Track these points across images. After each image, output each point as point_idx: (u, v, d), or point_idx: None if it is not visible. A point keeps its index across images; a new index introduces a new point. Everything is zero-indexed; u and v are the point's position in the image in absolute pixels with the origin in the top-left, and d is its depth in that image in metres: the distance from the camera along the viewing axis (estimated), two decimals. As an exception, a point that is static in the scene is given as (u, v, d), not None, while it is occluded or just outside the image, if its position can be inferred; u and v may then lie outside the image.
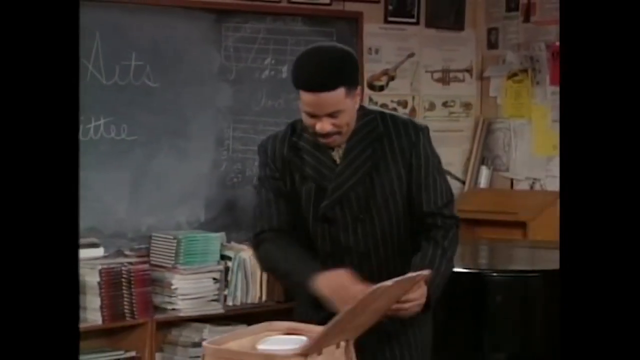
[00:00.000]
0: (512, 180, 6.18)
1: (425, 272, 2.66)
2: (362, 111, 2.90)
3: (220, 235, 4.97)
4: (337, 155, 2.89)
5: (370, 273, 2.81)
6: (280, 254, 2.91)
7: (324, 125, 2.78)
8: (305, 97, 2.76)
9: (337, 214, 2.88)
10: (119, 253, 4.84)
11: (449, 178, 5.92)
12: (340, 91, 2.74)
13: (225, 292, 4.88)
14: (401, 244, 2.91)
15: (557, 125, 5.86)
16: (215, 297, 4.84)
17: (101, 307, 4.51)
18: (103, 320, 4.53)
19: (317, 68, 2.76)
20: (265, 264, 3.00)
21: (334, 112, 2.76)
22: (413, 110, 6.00)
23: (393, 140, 2.88)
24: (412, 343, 2.94)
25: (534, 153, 6.05)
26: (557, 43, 5.82)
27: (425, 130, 2.92)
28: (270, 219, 2.94)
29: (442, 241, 2.87)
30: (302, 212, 2.93)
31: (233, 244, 5.01)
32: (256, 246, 2.97)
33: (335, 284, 2.71)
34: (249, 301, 4.85)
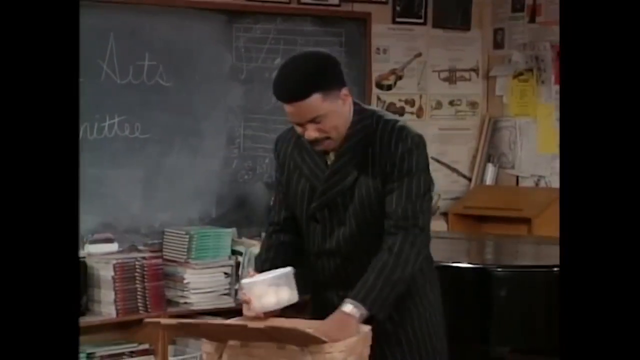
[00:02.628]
0: (517, 177, 6.21)
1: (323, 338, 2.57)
2: (361, 115, 2.87)
3: (232, 231, 5.02)
4: (331, 158, 2.89)
5: (353, 276, 2.82)
6: (260, 252, 3.05)
7: (309, 133, 2.78)
8: (285, 107, 2.78)
9: (325, 216, 2.90)
10: (133, 248, 4.89)
11: (455, 176, 6.07)
12: (315, 97, 2.72)
13: (237, 287, 4.88)
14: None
15: (562, 124, 5.91)
16: (227, 291, 4.89)
17: (115, 301, 4.56)
18: (117, 314, 4.58)
19: (287, 78, 2.76)
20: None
21: (314, 118, 2.75)
22: (420, 109, 6.05)
23: (376, 149, 2.84)
24: (403, 340, 2.93)
25: (539, 151, 6.08)
26: (562, 43, 5.88)
27: (409, 139, 2.83)
28: (274, 214, 3.06)
29: (386, 252, 2.78)
30: (297, 211, 2.97)
31: (244, 239, 5.05)
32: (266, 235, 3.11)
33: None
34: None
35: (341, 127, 2.82)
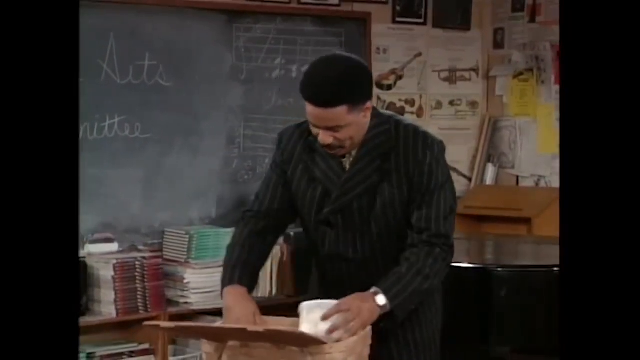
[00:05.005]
0: (517, 177, 6.22)
1: (324, 340, 2.56)
2: (379, 119, 2.86)
3: (232, 231, 4.99)
4: (347, 162, 2.86)
5: (368, 282, 2.80)
6: (235, 243, 2.96)
7: (324, 137, 2.76)
8: (308, 108, 2.73)
9: (339, 221, 2.88)
10: (133, 248, 4.89)
11: (455, 175, 6.07)
12: (342, 108, 2.70)
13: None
14: (398, 256, 2.83)
15: (562, 124, 5.91)
16: (227, 291, 4.91)
17: (115, 301, 4.57)
18: (117, 314, 4.58)
19: (321, 83, 2.71)
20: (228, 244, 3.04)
21: (335, 126, 2.73)
22: (420, 108, 6.06)
23: (400, 155, 2.82)
24: (411, 342, 2.93)
25: (539, 151, 6.09)
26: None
27: (435, 146, 2.84)
28: (262, 202, 2.97)
29: (421, 259, 2.78)
30: (305, 214, 2.94)
31: (244, 239, 5.07)
32: (238, 222, 3.03)
33: (234, 305, 2.79)
34: (260, 295, 4.85)
35: (356, 138, 2.80)
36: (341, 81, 2.71)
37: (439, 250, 2.81)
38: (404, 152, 2.83)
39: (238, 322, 2.72)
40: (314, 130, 2.79)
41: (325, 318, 2.62)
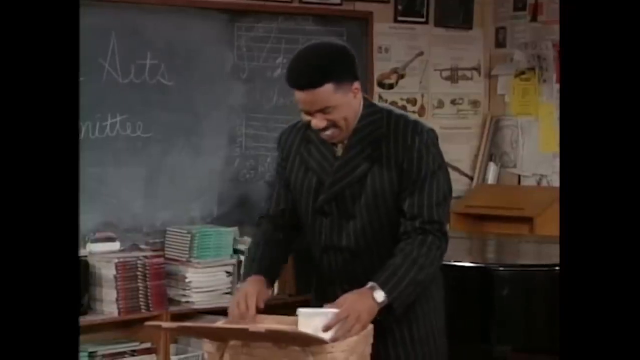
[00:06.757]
0: (519, 176, 6.22)
1: (326, 339, 2.57)
2: (371, 109, 2.89)
3: (233, 230, 5.03)
4: (340, 151, 2.89)
5: (362, 272, 2.82)
6: (251, 245, 3.04)
7: (317, 122, 2.78)
8: (296, 94, 2.77)
9: (333, 209, 2.89)
10: (135, 247, 4.90)
11: (457, 174, 6.08)
12: (327, 87, 2.73)
13: (238, 285, 4.90)
14: (392, 245, 2.84)
15: (563, 123, 5.90)
16: (228, 290, 4.89)
17: (117, 300, 4.57)
18: (119, 313, 4.59)
19: (302, 66, 2.77)
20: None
21: (324, 108, 2.76)
22: (422, 107, 6.06)
23: (390, 143, 2.83)
24: (407, 338, 2.93)
25: (540, 150, 6.08)
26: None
27: (425, 133, 2.85)
28: (270, 206, 3.04)
29: (415, 249, 2.78)
30: (302, 205, 2.96)
31: (246, 238, 4.99)
32: (256, 227, 3.10)
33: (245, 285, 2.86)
34: (261, 294, 4.89)
35: (350, 119, 2.83)
36: (322, 61, 2.77)
37: (432, 238, 2.81)
38: (393, 139, 2.85)
39: (240, 298, 2.80)
40: (306, 118, 2.82)
41: (326, 329, 2.62)
